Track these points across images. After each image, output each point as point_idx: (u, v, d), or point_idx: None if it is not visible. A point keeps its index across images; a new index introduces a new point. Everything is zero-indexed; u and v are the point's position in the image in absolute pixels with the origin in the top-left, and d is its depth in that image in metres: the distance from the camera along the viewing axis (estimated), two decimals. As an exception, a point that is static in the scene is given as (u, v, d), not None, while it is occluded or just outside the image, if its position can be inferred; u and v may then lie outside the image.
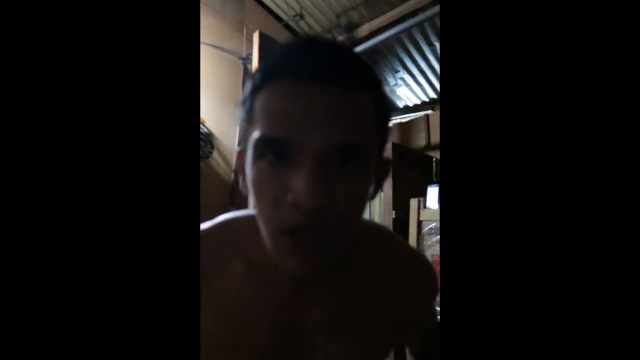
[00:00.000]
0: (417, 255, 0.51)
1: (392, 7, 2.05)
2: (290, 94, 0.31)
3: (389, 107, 0.35)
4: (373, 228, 0.49)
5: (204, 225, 0.45)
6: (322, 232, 0.32)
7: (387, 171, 0.40)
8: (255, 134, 0.33)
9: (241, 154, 0.38)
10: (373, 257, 0.45)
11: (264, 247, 0.36)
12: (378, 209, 2.80)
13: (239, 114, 0.38)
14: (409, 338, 0.54)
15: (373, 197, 0.38)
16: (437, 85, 2.74)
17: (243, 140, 0.36)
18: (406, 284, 0.46)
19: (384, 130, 0.36)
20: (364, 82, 0.33)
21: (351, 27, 2.26)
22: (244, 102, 0.36)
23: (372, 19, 2.16)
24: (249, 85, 0.36)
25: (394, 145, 1.96)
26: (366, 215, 2.80)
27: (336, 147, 0.31)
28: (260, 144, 0.32)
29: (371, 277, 0.44)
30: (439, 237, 1.65)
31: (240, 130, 0.39)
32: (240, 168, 0.39)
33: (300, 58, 0.31)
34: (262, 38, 1.72)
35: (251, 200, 0.37)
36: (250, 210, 0.42)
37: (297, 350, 0.40)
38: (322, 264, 0.34)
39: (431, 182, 1.99)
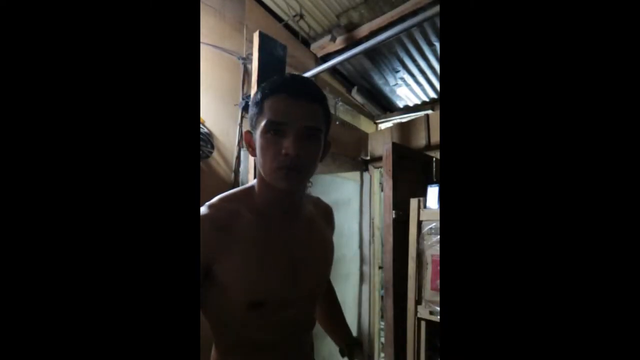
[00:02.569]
0: (323, 202, 0.83)
1: (392, 7, 2.05)
2: (284, 100, 0.59)
3: (328, 111, 0.64)
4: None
5: (211, 201, 0.63)
6: (298, 170, 0.59)
7: (329, 146, 0.68)
8: (264, 120, 0.59)
9: (249, 133, 0.64)
10: (309, 204, 0.77)
11: (260, 199, 0.65)
12: (378, 209, 2.81)
13: (251, 110, 0.63)
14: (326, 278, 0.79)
15: (321, 159, 0.64)
16: (437, 85, 2.74)
17: (253, 125, 0.62)
18: (324, 217, 0.79)
19: (327, 122, 0.64)
20: (317, 97, 0.62)
21: (351, 27, 2.26)
22: (256, 102, 0.61)
23: (372, 19, 2.16)
24: (260, 92, 0.61)
25: (394, 145, 1.96)
26: (366, 215, 2.80)
27: (305, 128, 0.59)
28: (267, 125, 0.59)
29: (311, 213, 0.75)
30: (439, 237, 1.66)
31: (251, 119, 0.63)
32: (247, 141, 0.65)
33: (289, 83, 0.61)
34: (262, 38, 1.72)
35: (257, 163, 0.64)
36: (234, 190, 0.68)
37: (294, 261, 0.65)
38: (297, 187, 0.63)
39: (431, 182, 1.99)
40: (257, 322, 0.61)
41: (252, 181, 0.69)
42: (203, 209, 0.60)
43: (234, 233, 0.59)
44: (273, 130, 0.58)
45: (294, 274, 0.64)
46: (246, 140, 0.64)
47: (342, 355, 0.85)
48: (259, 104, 0.60)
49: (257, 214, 0.63)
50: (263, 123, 0.58)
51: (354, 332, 2.69)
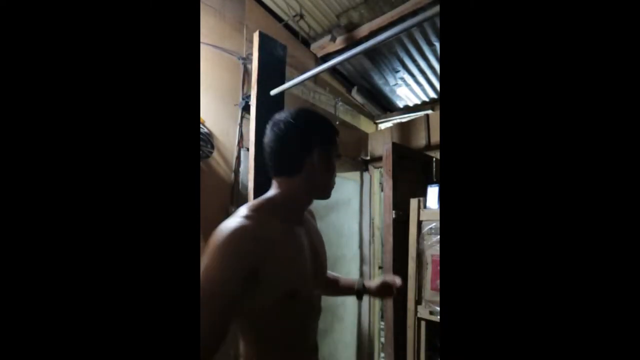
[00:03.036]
0: (310, 210, 0.93)
1: (392, 7, 2.05)
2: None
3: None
4: None
5: (243, 212, 0.71)
6: None
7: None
8: (335, 151, 0.80)
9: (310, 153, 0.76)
10: (307, 214, 0.89)
11: (284, 210, 0.76)
12: (378, 209, 2.81)
13: (315, 137, 0.76)
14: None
15: None
16: (437, 85, 2.74)
17: (301, 159, 0.75)
18: (313, 219, 0.93)
19: None
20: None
21: (351, 27, 2.26)
22: (329, 136, 0.79)
23: (372, 19, 2.16)
24: (330, 128, 0.79)
25: (394, 145, 1.96)
26: (366, 215, 2.80)
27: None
28: (337, 155, 0.81)
29: (308, 218, 0.87)
30: (439, 237, 1.66)
31: (309, 144, 0.75)
32: (317, 160, 0.76)
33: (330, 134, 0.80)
34: (262, 38, 1.72)
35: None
36: (247, 204, 0.76)
37: (311, 258, 0.78)
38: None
39: (431, 182, 1.99)
40: (291, 310, 0.72)
41: (269, 193, 0.78)
42: (240, 220, 0.67)
43: (270, 240, 0.68)
44: (336, 159, 0.79)
45: (313, 268, 0.79)
46: (318, 160, 0.76)
47: (359, 298, 1.07)
48: (331, 137, 0.78)
49: (282, 221, 0.73)
50: (334, 153, 0.78)
51: (354, 332, 2.69)
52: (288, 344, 0.75)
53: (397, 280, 1.00)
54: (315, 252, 0.82)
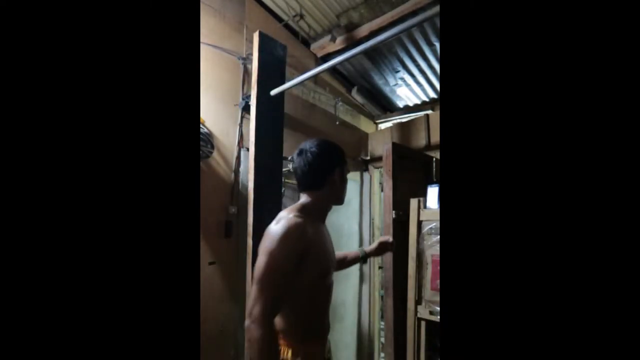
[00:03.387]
0: None
1: (392, 7, 2.05)
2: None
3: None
4: None
5: (294, 212, 0.97)
6: None
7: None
8: (347, 171, 1.09)
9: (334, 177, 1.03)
10: None
11: (315, 213, 1.01)
12: (378, 209, 2.81)
13: (338, 164, 1.04)
14: None
15: None
16: (437, 85, 2.74)
17: (338, 171, 1.03)
18: None
19: None
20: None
21: (351, 27, 2.26)
22: (333, 168, 1.02)
23: (372, 19, 2.16)
24: (325, 163, 1.02)
25: (394, 145, 1.96)
26: (366, 215, 2.80)
27: None
28: (347, 174, 1.10)
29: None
30: (439, 237, 1.66)
31: (336, 168, 1.02)
32: (337, 177, 1.03)
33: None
34: (262, 38, 1.72)
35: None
36: (289, 208, 0.99)
37: (330, 246, 1.06)
38: None
39: (431, 182, 1.99)
40: (322, 287, 1.00)
41: (301, 201, 1.02)
42: (293, 217, 0.92)
43: (312, 233, 0.93)
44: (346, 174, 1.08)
45: (332, 253, 1.08)
46: (337, 177, 1.03)
47: (364, 262, 1.50)
48: (344, 159, 1.06)
49: (313, 221, 0.98)
50: (346, 170, 1.07)
51: (354, 332, 2.69)
52: (318, 315, 1.00)
53: (390, 238, 1.34)
54: (331, 243, 1.10)
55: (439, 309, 1.61)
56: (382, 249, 1.34)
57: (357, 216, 2.81)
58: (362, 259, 1.34)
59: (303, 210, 0.97)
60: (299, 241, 0.88)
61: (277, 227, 0.88)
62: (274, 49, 1.80)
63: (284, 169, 1.87)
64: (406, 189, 1.93)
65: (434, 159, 2.29)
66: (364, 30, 2.23)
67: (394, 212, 1.84)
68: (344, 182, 1.05)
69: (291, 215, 0.92)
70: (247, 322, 0.82)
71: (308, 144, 1.02)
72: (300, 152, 1.02)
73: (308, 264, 0.90)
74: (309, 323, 0.97)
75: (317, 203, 1.01)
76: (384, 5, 2.06)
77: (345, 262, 1.32)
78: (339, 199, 1.06)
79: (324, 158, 1.01)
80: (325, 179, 1.00)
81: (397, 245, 1.83)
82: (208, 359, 1.64)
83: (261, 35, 1.73)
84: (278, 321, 0.93)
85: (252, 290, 0.84)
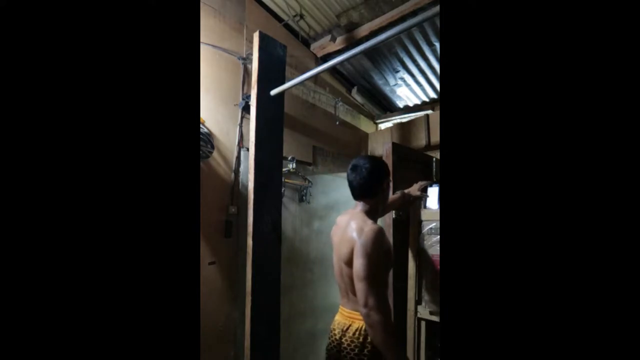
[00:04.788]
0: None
1: (392, 7, 2.05)
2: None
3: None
4: None
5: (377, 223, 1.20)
6: None
7: None
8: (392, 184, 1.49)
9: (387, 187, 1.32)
10: None
11: (373, 215, 1.27)
12: (378, 209, 2.81)
13: (386, 178, 1.31)
14: None
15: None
16: (437, 85, 2.74)
17: (386, 184, 1.31)
18: None
19: None
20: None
21: (351, 27, 2.26)
22: (383, 179, 1.29)
23: (372, 19, 2.16)
24: (377, 176, 1.27)
25: (394, 145, 1.96)
26: (366, 215, 2.79)
27: None
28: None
29: None
30: (439, 237, 1.66)
31: (385, 182, 1.29)
32: (385, 187, 1.31)
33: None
34: (262, 38, 1.72)
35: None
36: (357, 215, 1.25)
37: None
38: None
39: (431, 182, 1.98)
40: (388, 271, 1.29)
41: (360, 208, 1.26)
42: (375, 225, 1.15)
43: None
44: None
45: None
46: (386, 186, 1.29)
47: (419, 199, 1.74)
48: (389, 171, 1.29)
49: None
50: (390, 181, 1.31)
51: (354, 332, 2.68)
52: (388, 297, 1.28)
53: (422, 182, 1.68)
54: None
55: (439, 309, 1.61)
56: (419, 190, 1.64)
57: (357, 216, 2.80)
58: (413, 200, 1.67)
59: (369, 215, 1.23)
60: (385, 242, 1.15)
61: (368, 234, 1.10)
62: (274, 49, 1.80)
63: (283, 169, 1.87)
64: (406, 189, 1.93)
65: (434, 159, 2.29)
66: (364, 30, 2.23)
67: (394, 212, 1.84)
68: (389, 189, 1.34)
69: (370, 222, 1.17)
70: (364, 311, 1.05)
71: (361, 161, 1.25)
72: (354, 168, 1.25)
73: (388, 258, 1.21)
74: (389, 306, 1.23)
75: (374, 209, 1.27)
76: (384, 5, 2.06)
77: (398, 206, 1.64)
78: (386, 204, 1.37)
79: (376, 172, 1.24)
80: (378, 189, 1.26)
81: (397, 245, 1.83)
82: (208, 359, 1.64)
83: (261, 35, 1.73)
84: (374, 298, 1.11)
85: (361, 287, 1.06)
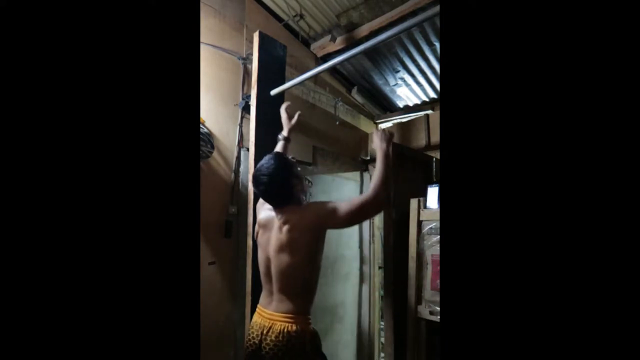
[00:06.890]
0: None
1: (392, 7, 2.05)
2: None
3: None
4: None
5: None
6: None
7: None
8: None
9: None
10: None
11: None
12: (378, 209, 2.80)
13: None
14: None
15: None
16: (437, 85, 2.74)
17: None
18: None
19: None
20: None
21: (351, 27, 2.26)
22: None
23: (372, 19, 2.16)
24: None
25: (394, 145, 1.96)
26: (366, 215, 2.80)
27: None
28: None
29: None
30: (439, 237, 1.66)
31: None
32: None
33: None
34: (262, 38, 1.72)
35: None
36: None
37: None
38: None
39: (431, 182, 1.98)
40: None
41: None
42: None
43: None
44: None
45: None
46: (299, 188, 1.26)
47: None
48: None
49: None
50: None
51: (354, 332, 2.69)
52: None
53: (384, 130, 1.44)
54: None
55: (439, 309, 1.61)
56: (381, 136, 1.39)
57: (357, 216, 2.80)
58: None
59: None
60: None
61: (306, 205, 1.20)
62: (274, 49, 1.80)
63: (284, 169, 1.86)
64: (406, 189, 1.93)
65: (434, 159, 2.29)
66: (364, 30, 2.23)
67: (394, 212, 1.84)
68: (303, 187, 1.32)
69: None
70: (371, 202, 1.09)
71: (259, 172, 1.22)
72: (254, 180, 1.23)
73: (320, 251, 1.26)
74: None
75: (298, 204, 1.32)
76: (384, 5, 2.06)
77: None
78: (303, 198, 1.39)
79: (275, 183, 1.21)
80: (290, 196, 1.23)
81: (397, 245, 1.83)
82: (208, 359, 1.64)
83: (261, 35, 1.73)
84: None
85: (357, 202, 1.10)
